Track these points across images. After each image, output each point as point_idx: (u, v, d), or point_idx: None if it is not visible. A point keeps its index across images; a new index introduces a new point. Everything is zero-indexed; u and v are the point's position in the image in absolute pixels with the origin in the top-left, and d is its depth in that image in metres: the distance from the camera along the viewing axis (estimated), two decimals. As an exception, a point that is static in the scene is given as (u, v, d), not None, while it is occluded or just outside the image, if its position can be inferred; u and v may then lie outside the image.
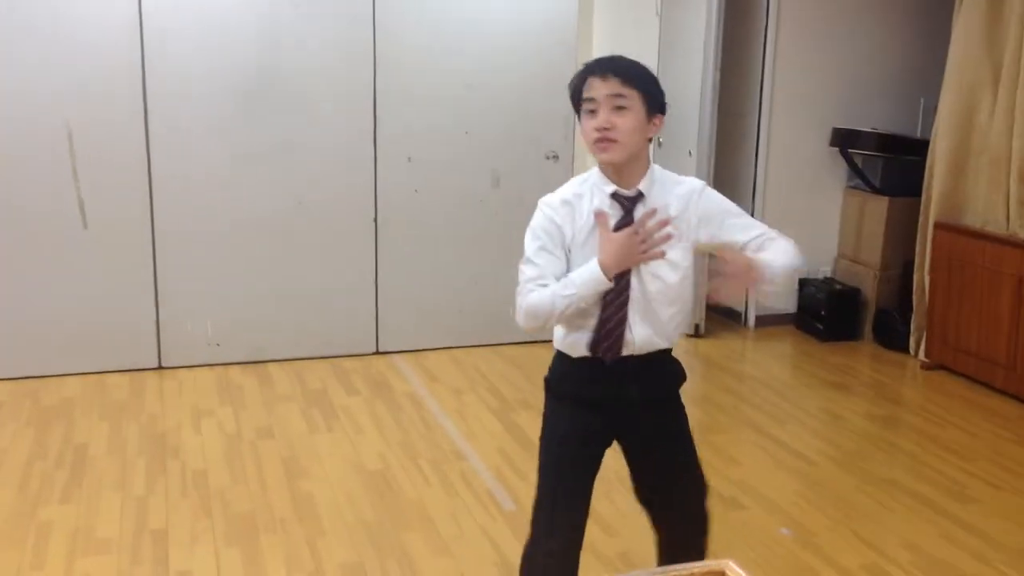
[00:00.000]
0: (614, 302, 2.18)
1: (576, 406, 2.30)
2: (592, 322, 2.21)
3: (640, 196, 2.17)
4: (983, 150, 4.90)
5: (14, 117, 4.47)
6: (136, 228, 4.71)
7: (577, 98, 2.16)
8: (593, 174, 2.22)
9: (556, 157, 5.27)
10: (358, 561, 3.06)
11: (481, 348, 5.30)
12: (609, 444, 2.35)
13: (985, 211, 4.89)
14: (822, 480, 3.74)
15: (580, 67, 2.19)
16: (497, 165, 5.19)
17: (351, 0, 4.81)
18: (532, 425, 4.21)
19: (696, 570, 1.36)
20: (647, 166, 2.20)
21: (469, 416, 4.32)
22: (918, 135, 5.65)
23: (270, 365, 4.94)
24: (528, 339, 5.39)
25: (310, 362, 5.00)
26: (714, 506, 3.43)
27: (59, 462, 3.75)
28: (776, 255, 2.17)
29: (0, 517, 3.29)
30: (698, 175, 5.61)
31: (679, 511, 2.44)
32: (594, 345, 2.22)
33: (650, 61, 6.93)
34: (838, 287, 5.64)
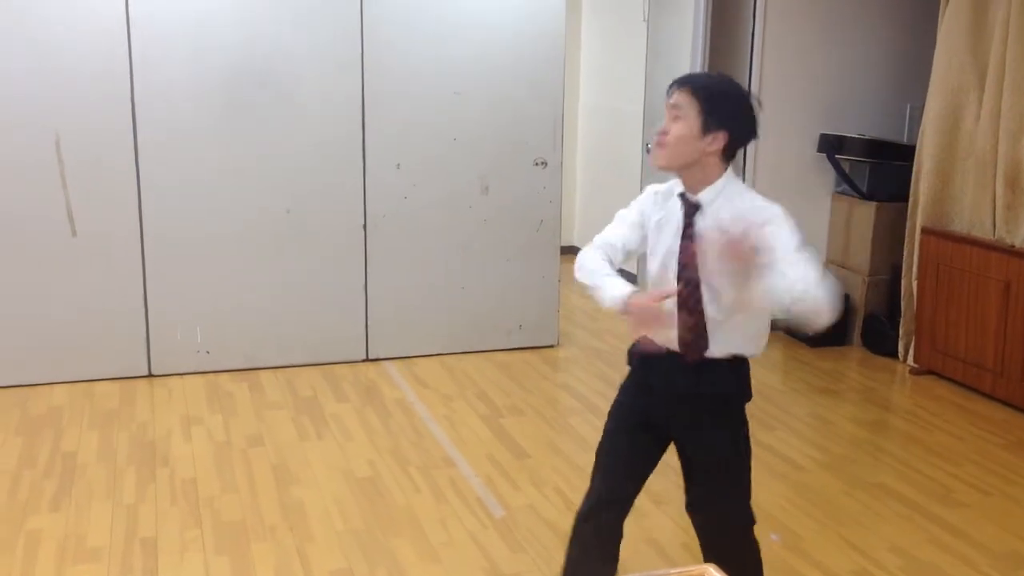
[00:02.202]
0: (692, 307, 2.29)
1: (635, 384, 2.45)
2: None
3: (698, 206, 2.26)
4: (969, 155, 4.93)
5: (2, 124, 4.46)
6: (125, 235, 4.71)
7: None
8: (672, 183, 2.36)
9: (544, 164, 5.29)
10: (347, 568, 3.06)
11: (471, 354, 5.30)
12: (661, 433, 2.44)
13: (972, 216, 4.92)
14: (811, 485, 3.75)
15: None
16: (486, 171, 5.20)
17: (339, 7, 4.82)
18: (521, 431, 4.22)
19: (675, 575, 1.37)
20: (714, 180, 2.25)
21: (458, 422, 4.32)
22: (905, 140, 5.69)
23: (260, 372, 4.93)
24: (518, 345, 5.40)
25: (300, 369, 5.00)
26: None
27: (48, 471, 3.74)
28: (797, 275, 2.05)
29: (-12, 526, 3.29)
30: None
31: (704, 530, 2.50)
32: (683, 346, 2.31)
33: (638, 67, 7.00)
34: (827, 292, 5.65)
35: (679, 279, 2.29)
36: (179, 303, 4.83)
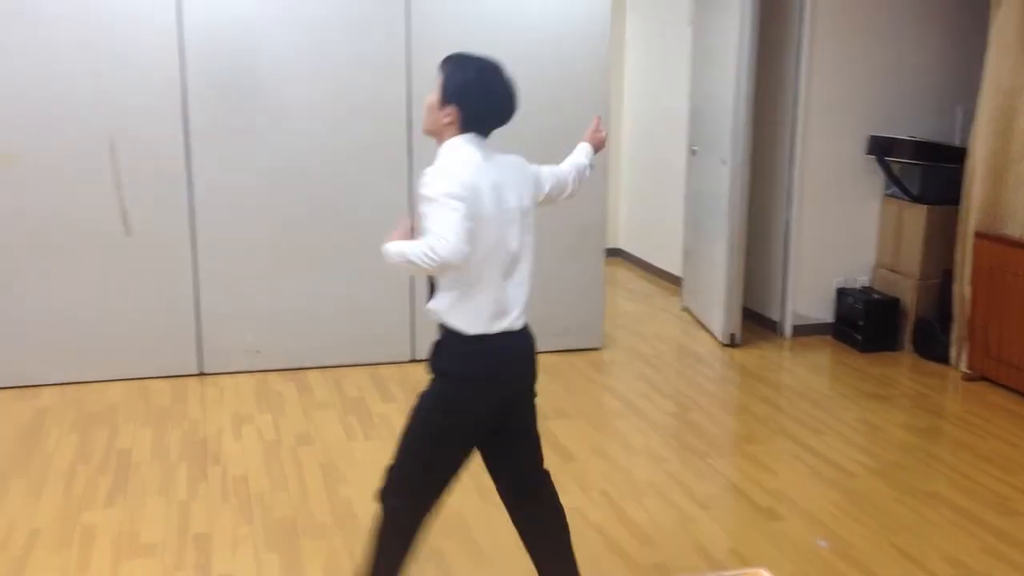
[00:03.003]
0: None
1: None
2: None
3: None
4: (1022, 157, 4.84)
5: (58, 127, 4.57)
6: (177, 236, 4.80)
7: None
8: None
9: (591, 166, 5.27)
10: (396, 568, 3.08)
11: (516, 356, 5.31)
12: None
13: (1026, 220, 4.83)
14: (860, 491, 3.71)
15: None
16: (532, 174, 5.21)
17: (386, 12, 4.87)
18: (567, 434, 4.22)
19: (732, 578, 1.37)
20: (440, 150, 2.46)
21: (505, 424, 4.33)
22: (956, 142, 5.60)
23: (308, 372, 4.99)
24: (563, 347, 5.40)
25: (348, 369, 5.05)
26: (751, 516, 3.43)
27: (103, 467, 3.82)
28: (394, 247, 2.44)
29: (46, 521, 3.37)
30: (732, 184, 5.58)
31: None
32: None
33: (682, 68, 6.94)
34: (876, 296, 5.59)
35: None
36: (230, 303, 4.90)
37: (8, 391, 4.66)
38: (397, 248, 2.40)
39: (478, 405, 2.50)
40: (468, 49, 5.04)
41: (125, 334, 4.79)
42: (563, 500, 3.56)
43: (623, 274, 7.52)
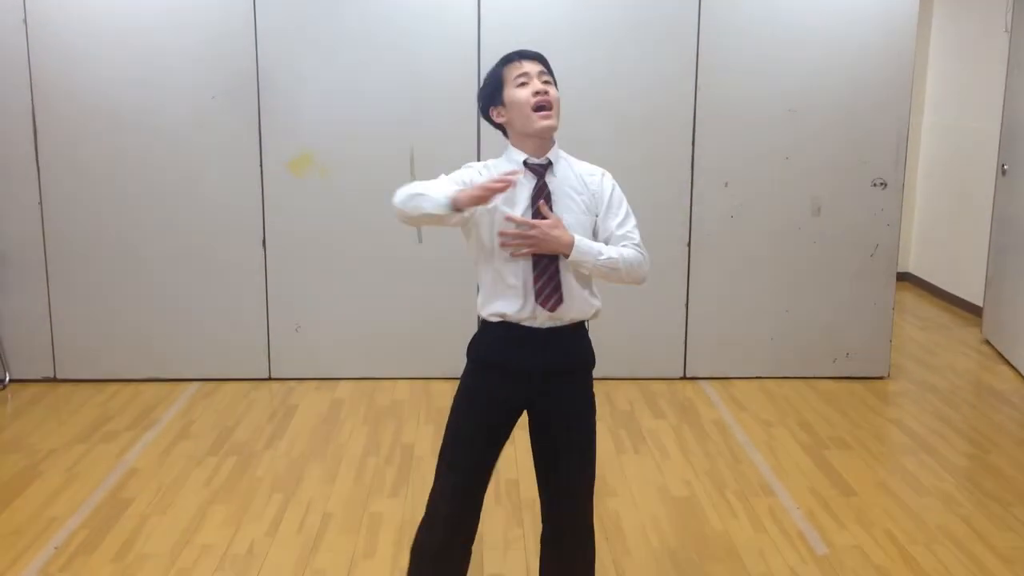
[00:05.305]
0: (543, 262, 2.39)
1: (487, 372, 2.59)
2: (515, 284, 2.41)
3: (549, 164, 2.41)
4: None
5: (221, 152, 4.94)
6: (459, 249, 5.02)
7: (499, 81, 2.38)
8: (499, 160, 2.44)
9: (884, 184, 4.98)
10: (662, 587, 3.05)
11: (792, 380, 5.11)
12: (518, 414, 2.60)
13: None
14: None
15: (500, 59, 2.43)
16: (818, 192, 4.99)
17: (676, 21, 4.84)
18: (847, 466, 4.00)
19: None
20: (555, 143, 2.44)
21: (779, 450, 4.17)
22: None
23: (579, 383, 5.06)
24: (844, 374, 5.13)
25: (618, 382, 5.07)
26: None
27: (389, 459, 4.08)
28: (610, 250, 2.40)
29: (339, 505, 3.64)
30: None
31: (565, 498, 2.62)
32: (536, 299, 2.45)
33: (996, 81, 6.37)
34: None
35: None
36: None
37: (311, 382, 5.10)
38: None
39: None
40: (758, 59, 4.93)
41: (413, 336, 5.08)
42: (843, 536, 3.39)
43: (911, 300, 7.02)
